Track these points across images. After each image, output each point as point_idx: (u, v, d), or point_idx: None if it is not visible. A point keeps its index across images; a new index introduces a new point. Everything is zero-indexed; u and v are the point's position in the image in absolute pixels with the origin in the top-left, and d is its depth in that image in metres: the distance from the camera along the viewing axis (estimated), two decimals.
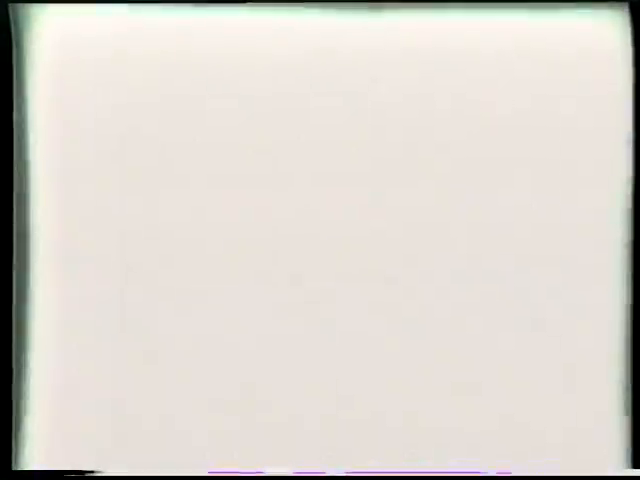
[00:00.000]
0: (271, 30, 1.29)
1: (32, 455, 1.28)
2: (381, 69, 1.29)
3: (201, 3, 1.28)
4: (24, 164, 1.28)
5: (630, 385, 1.30)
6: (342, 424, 1.30)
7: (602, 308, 1.30)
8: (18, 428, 1.28)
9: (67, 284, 1.28)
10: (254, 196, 1.29)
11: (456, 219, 1.30)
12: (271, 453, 1.29)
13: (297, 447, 1.29)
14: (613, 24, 1.30)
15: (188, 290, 1.29)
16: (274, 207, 1.29)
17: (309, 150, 1.29)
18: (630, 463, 1.30)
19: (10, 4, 1.28)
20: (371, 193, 1.30)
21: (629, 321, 1.30)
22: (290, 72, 1.29)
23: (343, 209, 1.30)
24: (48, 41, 1.28)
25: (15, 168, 1.28)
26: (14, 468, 1.28)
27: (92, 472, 1.26)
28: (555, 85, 1.30)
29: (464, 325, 1.29)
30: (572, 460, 1.30)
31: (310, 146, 1.30)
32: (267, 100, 1.29)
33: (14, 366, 1.28)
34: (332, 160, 1.29)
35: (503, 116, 1.30)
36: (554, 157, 1.30)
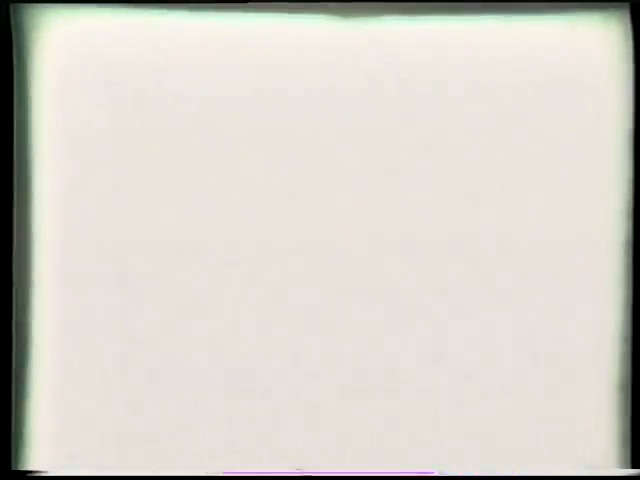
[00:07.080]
0: (268, 35, 1.30)
1: (32, 455, 1.28)
2: (378, 76, 1.30)
3: (202, 7, 1.29)
4: (25, 165, 1.28)
5: (630, 385, 1.30)
6: (341, 424, 1.30)
7: (602, 308, 1.30)
8: (18, 428, 1.28)
9: (68, 285, 1.28)
10: (255, 199, 1.30)
11: (455, 221, 1.30)
12: (271, 453, 1.29)
13: (297, 447, 1.30)
14: (614, 25, 1.30)
15: (188, 294, 1.29)
16: (277, 210, 1.30)
17: (303, 155, 1.30)
18: (630, 463, 1.30)
19: (11, 4, 1.28)
20: (369, 198, 1.30)
21: (629, 321, 1.30)
22: (287, 77, 1.30)
23: (341, 213, 1.30)
24: (49, 41, 1.28)
25: (16, 170, 1.28)
26: (14, 468, 1.28)
27: (93, 472, 1.26)
28: (556, 86, 1.30)
29: (463, 324, 1.30)
30: (572, 460, 1.30)
31: (305, 150, 1.30)
32: (264, 104, 1.30)
33: (14, 367, 1.28)
34: (330, 165, 1.30)
35: (503, 118, 1.30)
36: (555, 158, 1.30)
